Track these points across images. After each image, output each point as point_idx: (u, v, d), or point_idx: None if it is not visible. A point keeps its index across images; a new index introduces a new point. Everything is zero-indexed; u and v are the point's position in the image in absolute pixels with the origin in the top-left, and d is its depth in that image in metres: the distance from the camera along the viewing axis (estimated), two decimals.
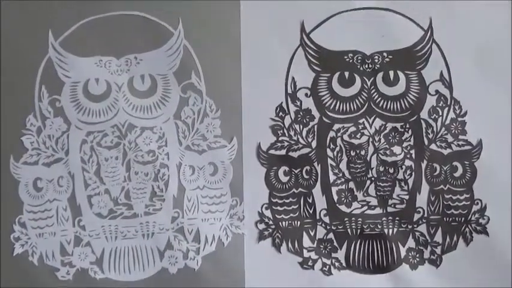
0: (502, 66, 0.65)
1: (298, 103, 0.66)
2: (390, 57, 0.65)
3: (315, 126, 0.66)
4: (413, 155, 0.65)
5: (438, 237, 0.64)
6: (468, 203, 0.64)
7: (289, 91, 0.66)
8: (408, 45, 0.65)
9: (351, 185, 0.65)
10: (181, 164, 0.66)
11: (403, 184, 0.65)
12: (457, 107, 0.65)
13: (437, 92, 0.65)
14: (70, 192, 0.65)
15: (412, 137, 0.65)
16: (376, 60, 0.65)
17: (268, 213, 0.65)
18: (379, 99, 0.65)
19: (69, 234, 0.65)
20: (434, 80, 0.65)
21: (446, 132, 0.65)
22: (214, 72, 0.66)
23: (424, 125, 0.65)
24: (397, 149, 0.65)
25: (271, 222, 0.65)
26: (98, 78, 0.66)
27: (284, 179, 0.65)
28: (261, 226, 0.65)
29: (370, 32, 0.66)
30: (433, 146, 0.65)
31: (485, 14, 0.65)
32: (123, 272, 0.65)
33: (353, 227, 0.65)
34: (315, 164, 0.65)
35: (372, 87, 0.65)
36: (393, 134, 0.65)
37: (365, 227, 0.65)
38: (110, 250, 0.65)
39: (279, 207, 0.65)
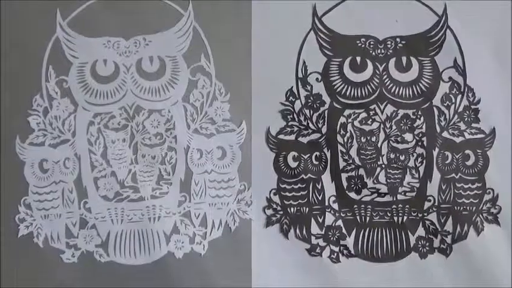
0: None
1: (309, 88, 0.65)
2: (403, 42, 0.64)
3: (326, 112, 0.64)
4: (425, 143, 0.64)
5: (448, 226, 0.63)
6: (480, 192, 0.63)
7: (300, 75, 0.65)
8: (422, 31, 0.64)
9: (361, 171, 0.64)
10: (189, 148, 0.65)
11: (413, 172, 0.64)
12: (470, 95, 0.64)
13: (450, 78, 0.64)
14: (76, 174, 0.64)
15: (424, 124, 0.64)
16: (389, 46, 0.64)
17: (276, 198, 0.64)
18: (391, 85, 0.64)
19: (75, 216, 0.64)
20: (447, 66, 0.64)
21: (459, 119, 0.64)
22: (224, 55, 0.65)
23: (436, 112, 0.64)
24: (408, 136, 0.64)
25: (279, 208, 0.64)
26: (106, 59, 0.65)
27: (293, 164, 0.64)
28: (269, 212, 0.65)
29: (383, 16, 0.64)
30: (445, 134, 0.64)
31: (501, 1, 0.64)
32: (128, 255, 0.65)
33: (362, 214, 0.64)
34: (325, 149, 0.64)
35: (384, 72, 0.64)
36: (405, 120, 0.64)
37: (374, 214, 0.64)
38: (116, 233, 0.65)
39: (287, 193, 0.64)
